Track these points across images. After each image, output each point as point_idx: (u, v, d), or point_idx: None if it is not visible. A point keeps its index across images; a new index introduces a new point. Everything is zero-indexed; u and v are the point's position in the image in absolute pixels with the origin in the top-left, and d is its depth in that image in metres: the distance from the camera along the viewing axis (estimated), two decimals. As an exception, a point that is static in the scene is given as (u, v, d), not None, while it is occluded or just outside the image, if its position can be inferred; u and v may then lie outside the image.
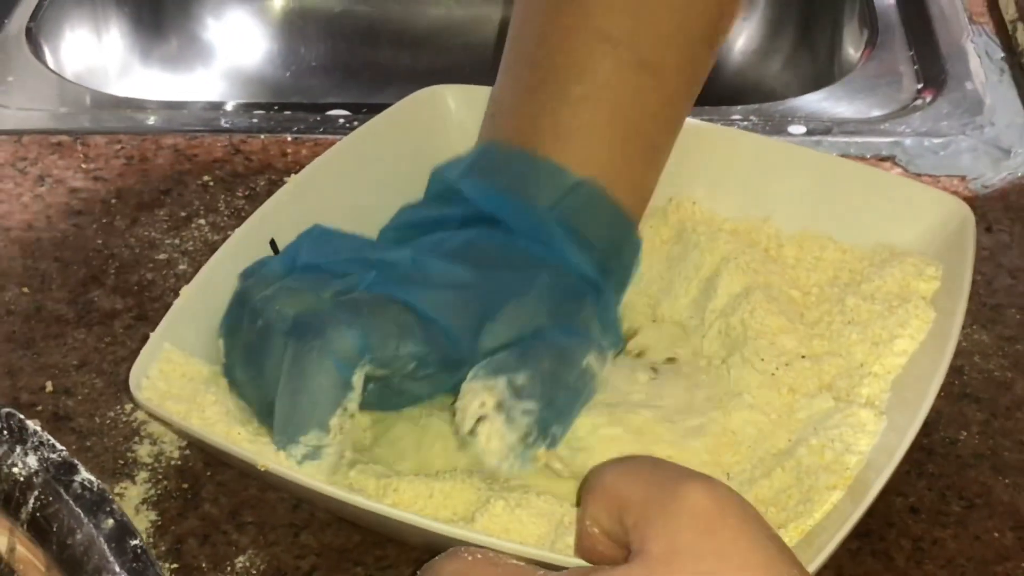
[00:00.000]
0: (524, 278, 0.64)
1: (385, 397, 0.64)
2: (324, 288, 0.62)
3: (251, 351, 0.62)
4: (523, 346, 0.62)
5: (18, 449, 0.45)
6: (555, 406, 0.62)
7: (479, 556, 0.49)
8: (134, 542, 0.43)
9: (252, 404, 0.62)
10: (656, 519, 0.46)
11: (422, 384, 0.63)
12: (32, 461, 0.45)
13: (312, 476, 0.59)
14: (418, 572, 0.51)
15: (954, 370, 0.71)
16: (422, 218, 0.69)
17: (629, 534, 0.47)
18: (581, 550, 0.51)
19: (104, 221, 0.81)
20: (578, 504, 0.55)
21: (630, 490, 0.48)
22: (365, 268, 0.63)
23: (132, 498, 0.65)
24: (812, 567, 0.55)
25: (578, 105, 0.67)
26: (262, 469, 0.57)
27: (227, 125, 0.90)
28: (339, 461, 0.61)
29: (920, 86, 0.92)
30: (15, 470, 0.45)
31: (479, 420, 0.60)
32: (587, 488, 0.50)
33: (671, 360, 0.69)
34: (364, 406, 0.62)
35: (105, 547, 0.43)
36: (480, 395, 0.61)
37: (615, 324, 0.67)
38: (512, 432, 0.61)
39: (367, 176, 0.74)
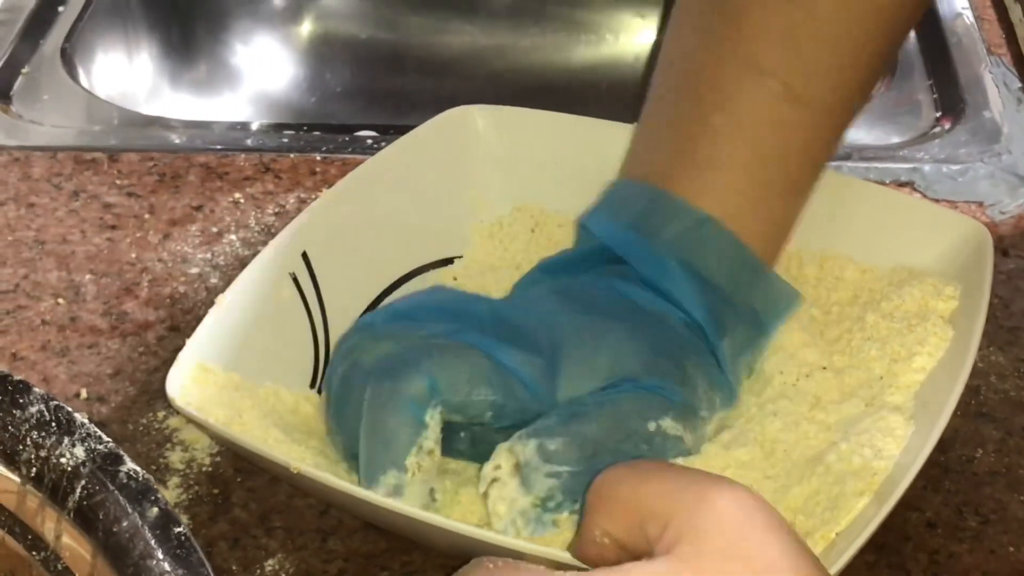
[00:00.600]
0: (621, 325, 0.63)
1: (475, 446, 0.64)
2: (406, 336, 0.62)
3: (337, 400, 0.63)
4: (577, 406, 0.61)
5: (66, 440, 0.47)
6: (595, 470, 0.60)
7: (500, 564, 0.48)
8: (178, 529, 0.44)
9: (344, 455, 0.63)
10: (684, 528, 0.45)
11: (504, 435, 0.62)
12: (79, 452, 0.46)
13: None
14: None
15: (971, 390, 0.72)
16: (547, 265, 0.68)
17: (654, 545, 0.46)
18: (586, 561, 0.50)
19: (138, 235, 0.83)
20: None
21: (652, 500, 0.46)
22: (449, 318, 0.63)
23: (164, 502, 0.67)
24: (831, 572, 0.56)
25: (717, 136, 0.65)
26: (295, 472, 0.59)
27: (255, 144, 0.91)
28: (427, 498, 0.61)
29: (939, 115, 0.93)
30: (63, 460, 0.46)
31: (493, 482, 0.61)
32: (597, 498, 0.49)
33: None
34: (455, 454, 0.64)
35: (149, 535, 0.44)
36: (500, 457, 0.60)
37: (726, 380, 0.65)
38: (524, 497, 0.60)
39: (397, 193, 0.75)
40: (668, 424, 0.62)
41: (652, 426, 0.62)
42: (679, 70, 0.69)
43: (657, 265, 0.65)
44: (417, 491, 0.60)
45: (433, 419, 0.60)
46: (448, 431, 0.62)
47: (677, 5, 0.71)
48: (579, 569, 0.48)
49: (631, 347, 0.63)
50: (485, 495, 0.61)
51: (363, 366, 0.62)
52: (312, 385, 0.69)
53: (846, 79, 0.67)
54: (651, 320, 0.64)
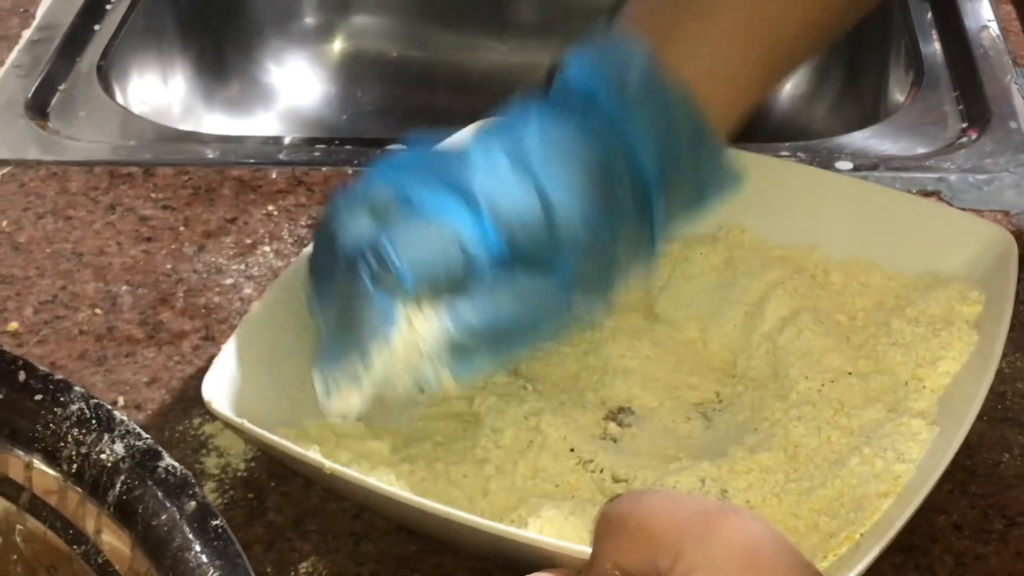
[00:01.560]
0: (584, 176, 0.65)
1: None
2: (383, 206, 0.63)
3: (315, 275, 0.65)
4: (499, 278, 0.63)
5: (106, 437, 0.48)
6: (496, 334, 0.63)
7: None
8: (215, 522, 0.45)
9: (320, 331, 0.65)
10: (695, 558, 0.45)
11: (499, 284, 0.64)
12: (119, 448, 0.47)
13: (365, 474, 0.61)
14: None
15: (997, 395, 0.73)
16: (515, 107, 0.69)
17: (667, 575, 0.46)
18: None
19: (173, 247, 0.84)
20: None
21: (661, 532, 0.47)
22: (435, 178, 0.64)
23: (200, 505, 0.68)
24: (855, 573, 0.57)
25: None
26: (328, 472, 0.60)
27: (287, 158, 0.92)
28: (374, 402, 0.63)
29: (965, 125, 0.94)
30: (103, 456, 0.47)
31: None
32: (607, 531, 0.48)
33: (717, 398, 0.71)
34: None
35: (187, 528, 0.45)
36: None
37: (657, 236, 0.67)
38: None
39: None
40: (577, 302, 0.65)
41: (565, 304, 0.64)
42: None
43: (617, 115, 0.66)
44: (369, 388, 0.62)
45: (401, 316, 0.62)
46: None
47: None
48: None
49: (581, 196, 0.64)
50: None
51: (338, 243, 0.63)
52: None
53: None
54: (607, 173, 0.65)
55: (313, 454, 0.61)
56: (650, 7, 0.70)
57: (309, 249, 0.71)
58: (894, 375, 0.68)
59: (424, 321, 0.62)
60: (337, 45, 1.25)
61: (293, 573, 0.65)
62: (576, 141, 0.66)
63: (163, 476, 0.46)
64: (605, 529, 0.48)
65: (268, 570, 0.65)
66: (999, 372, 0.70)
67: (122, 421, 0.48)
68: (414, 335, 0.62)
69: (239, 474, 0.70)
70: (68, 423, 0.49)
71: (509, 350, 0.65)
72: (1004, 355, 0.71)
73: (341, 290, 0.63)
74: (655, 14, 0.69)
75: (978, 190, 0.88)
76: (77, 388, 0.49)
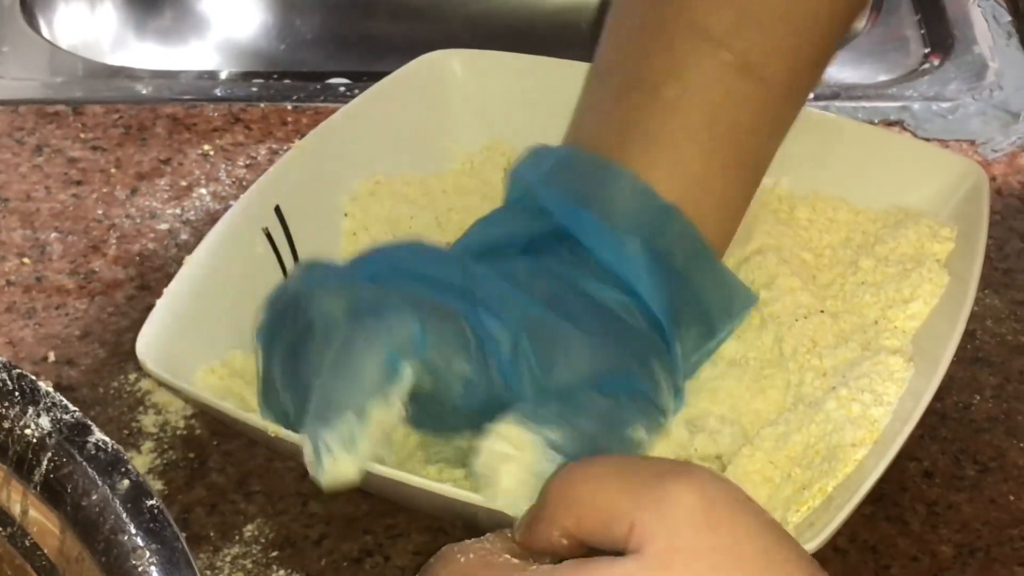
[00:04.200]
0: (590, 321, 0.60)
1: (422, 418, 0.59)
2: (377, 290, 0.58)
3: (292, 352, 0.58)
4: (569, 402, 0.58)
5: (30, 410, 0.44)
6: None
7: (472, 556, 0.47)
8: (150, 502, 0.42)
9: (291, 414, 0.58)
10: (650, 525, 0.44)
11: (461, 419, 0.59)
12: (45, 422, 0.44)
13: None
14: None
15: (966, 334, 0.70)
16: (496, 236, 0.64)
17: (622, 544, 0.45)
18: (532, 551, 0.48)
19: (104, 191, 0.80)
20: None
21: (616, 501, 0.45)
22: (420, 282, 0.59)
23: (138, 468, 0.64)
24: (826, 532, 0.54)
25: (670, 109, 0.63)
26: (272, 435, 0.57)
27: (224, 94, 0.89)
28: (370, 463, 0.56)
29: (927, 51, 0.91)
30: (27, 432, 0.44)
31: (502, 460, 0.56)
32: (559, 499, 0.47)
33: None
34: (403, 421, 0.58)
35: (120, 508, 0.42)
36: (510, 436, 0.56)
37: (680, 385, 0.63)
38: (532, 476, 0.56)
39: (372, 141, 0.73)
40: (642, 434, 0.59)
41: (631, 433, 0.59)
42: (627, 34, 0.66)
43: (618, 253, 0.62)
44: (367, 451, 0.55)
45: (407, 373, 0.55)
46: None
47: None
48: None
49: (602, 346, 0.60)
50: (483, 470, 0.56)
51: (330, 315, 0.57)
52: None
53: (801, 54, 0.65)
54: (616, 317, 0.61)
55: (256, 417, 0.58)
56: (603, 119, 0.65)
57: (251, 194, 0.68)
58: (863, 316, 0.65)
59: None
60: (273, -30, 1.21)
61: (237, 536, 0.62)
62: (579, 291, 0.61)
63: (93, 452, 0.43)
64: (556, 496, 0.47)
65: (211, 534, 0.62)
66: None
67: (48, 393, 0.45)
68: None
69: (179, 432, 0.66)
70: (-12, 396, 0.45)
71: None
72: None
73: (318, 359, 0.56)
74: (610, 126, 0.64)
75: (943, 119, 0.85)
76: (-2, 358, 0.46)
